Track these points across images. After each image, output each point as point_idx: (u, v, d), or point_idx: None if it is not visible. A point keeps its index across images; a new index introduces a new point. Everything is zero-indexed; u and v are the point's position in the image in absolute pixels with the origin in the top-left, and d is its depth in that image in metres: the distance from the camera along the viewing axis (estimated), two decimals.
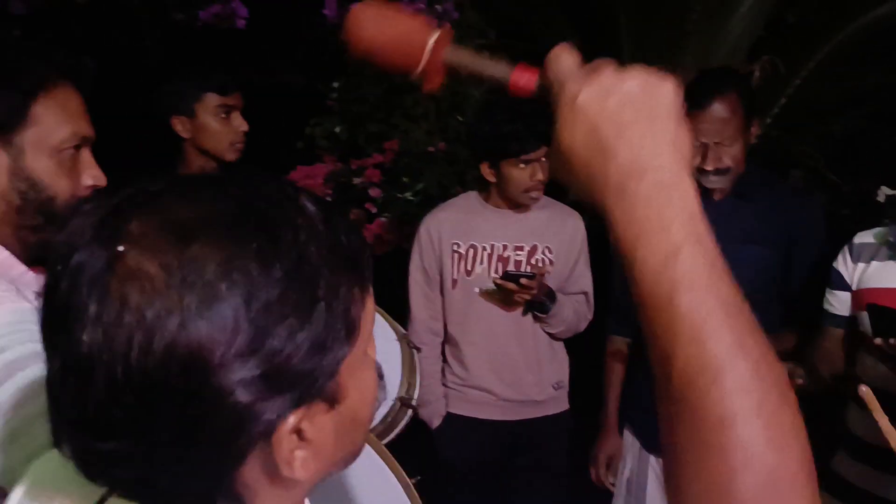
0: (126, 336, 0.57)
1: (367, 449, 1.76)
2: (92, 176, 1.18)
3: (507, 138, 2.30)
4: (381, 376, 0.77)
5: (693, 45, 3.32)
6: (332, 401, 0.67)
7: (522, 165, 2.32)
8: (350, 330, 0.66)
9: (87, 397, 0.59)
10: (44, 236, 1.14)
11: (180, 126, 2.24)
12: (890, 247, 1.92)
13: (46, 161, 1.13)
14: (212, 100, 2.24)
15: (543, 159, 2.32)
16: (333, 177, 3.67)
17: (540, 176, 2.33)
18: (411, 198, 3.58)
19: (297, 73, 4.26)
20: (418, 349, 2.39)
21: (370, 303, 0.70)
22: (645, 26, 3.36)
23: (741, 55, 3.35)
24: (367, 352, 0.72)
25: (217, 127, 2.24)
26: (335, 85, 3.95)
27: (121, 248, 0.59)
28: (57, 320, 0.60)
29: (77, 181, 1.17)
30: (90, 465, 0.64)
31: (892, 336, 1.68)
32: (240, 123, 2.27)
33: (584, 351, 2.60)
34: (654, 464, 2.37)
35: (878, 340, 1.72)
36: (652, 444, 2.38)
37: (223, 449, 0.62)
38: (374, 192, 3.61)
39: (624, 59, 3.06)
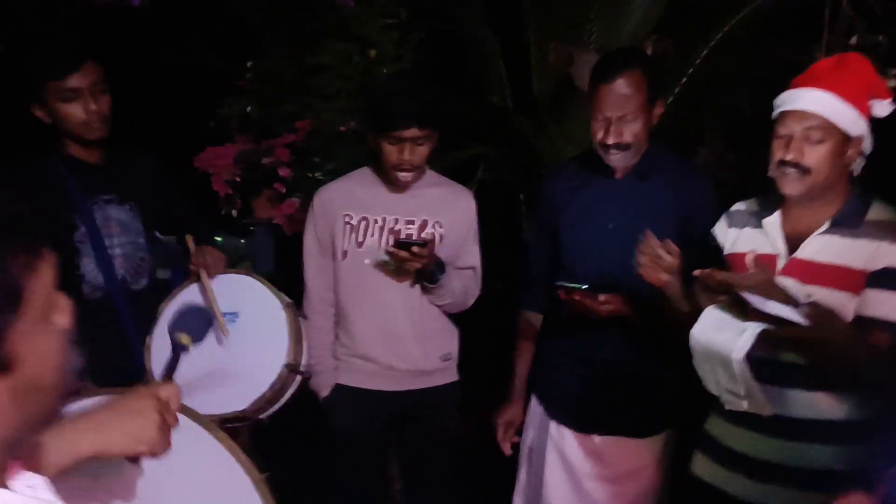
0: None
1: (218, 446, 1.74)
2: None
3: (381, 113, 2.33)
4: (78, 344, 0.81)
5: (596, 25, 3.36)
6: (2, 367, 0.69)
7: (393, 142, 2.33)
8: (12, 298, 0.68)
9: None
10: None
11: (40, 113, 2.15)
12: (756, 216, 2.00)
13: None
14: (53, 86, 2.12)
15: (419, 141, 2.34)
16: (243, 157, 3.63)
17: (407, 156, 2.35)
18: (322, 177, 3.55)
19: (211, 53, 4.20)
20: (304, 317, 2.40)
21: (46, 269, 0.72)
22: (549, 8, 3.39)
23: (644, 34, 3.39)
24: (50, 319, 0.75)
25: (66, 111, 2.13)
26: (249, 65, 3.92)
27: None
28: None
29: None
30: None
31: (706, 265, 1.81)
32: (88, 104, 2.13)
33: (474, 324, 2.64)
34: (552, 431, 2.43)
35: (696, 272, 1.82)
36: (553, 411, 2.45)
37: None
38: (283, 171, 3.58)
39: (529, 39, 3.10)
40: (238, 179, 3.64)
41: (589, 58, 3.07)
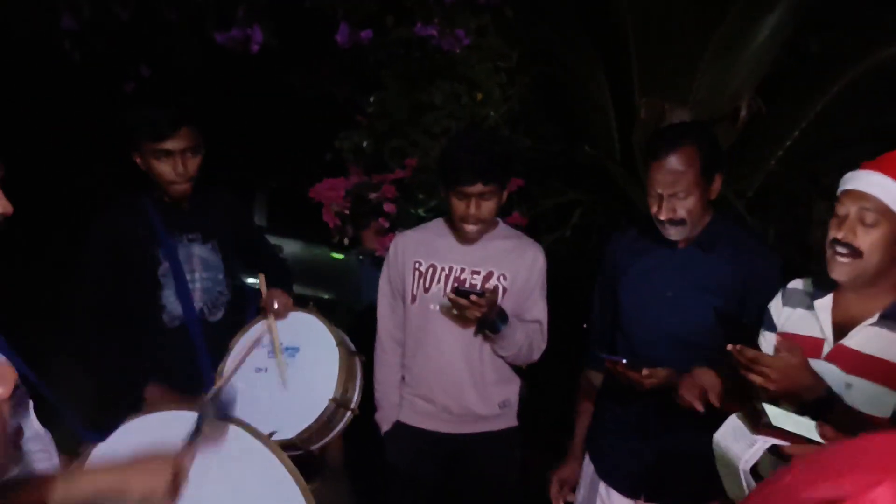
0: None
1: (270, 456, 1.95)
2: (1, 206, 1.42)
3: (448, 168, 2.41)
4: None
5: (703, 82, 3.28)
6: None
7: (460, 196, 2.41)
8: None
9: None
10: None
11: (138, 160, 2.37)
12: (809, 296, 1.96)
13: None
14: (150, 146, 2.32)
15: (485, 196, 2.40)
16: (353, 190, 3.82)
17: (473, 210, 2.42)
18: (424, 214, 3.68)
19: (341, 84, 4.42)
20: (360, 356, 2.52)
21: None
22: (657, 62, 3.34)
23: (752, 85, 3.28)
24: None
25: (158, 168, 2.34)
26: (371, 99, 4.10)
27: None
28: None
29: None
30: None
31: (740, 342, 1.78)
32: (177, 165, 2.33)
33: (537, 374, 2.66)
34: (601, 492, 2.42)
35: (729, 347, 1.79)
36: (604, 470, 2.44)
37: None
38: (388, 207, 3.73)
39: (634, 85, 3.09)
40: (347, 212, 3.83)
41: (681, 113, 3.03)
